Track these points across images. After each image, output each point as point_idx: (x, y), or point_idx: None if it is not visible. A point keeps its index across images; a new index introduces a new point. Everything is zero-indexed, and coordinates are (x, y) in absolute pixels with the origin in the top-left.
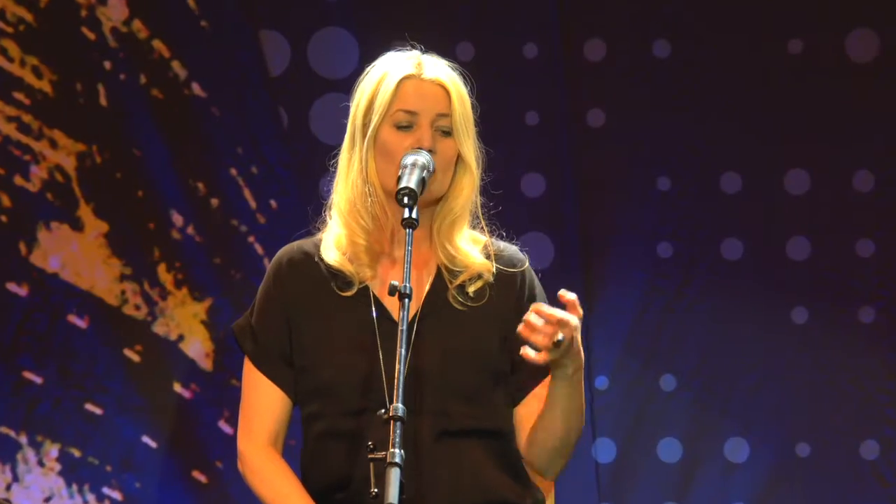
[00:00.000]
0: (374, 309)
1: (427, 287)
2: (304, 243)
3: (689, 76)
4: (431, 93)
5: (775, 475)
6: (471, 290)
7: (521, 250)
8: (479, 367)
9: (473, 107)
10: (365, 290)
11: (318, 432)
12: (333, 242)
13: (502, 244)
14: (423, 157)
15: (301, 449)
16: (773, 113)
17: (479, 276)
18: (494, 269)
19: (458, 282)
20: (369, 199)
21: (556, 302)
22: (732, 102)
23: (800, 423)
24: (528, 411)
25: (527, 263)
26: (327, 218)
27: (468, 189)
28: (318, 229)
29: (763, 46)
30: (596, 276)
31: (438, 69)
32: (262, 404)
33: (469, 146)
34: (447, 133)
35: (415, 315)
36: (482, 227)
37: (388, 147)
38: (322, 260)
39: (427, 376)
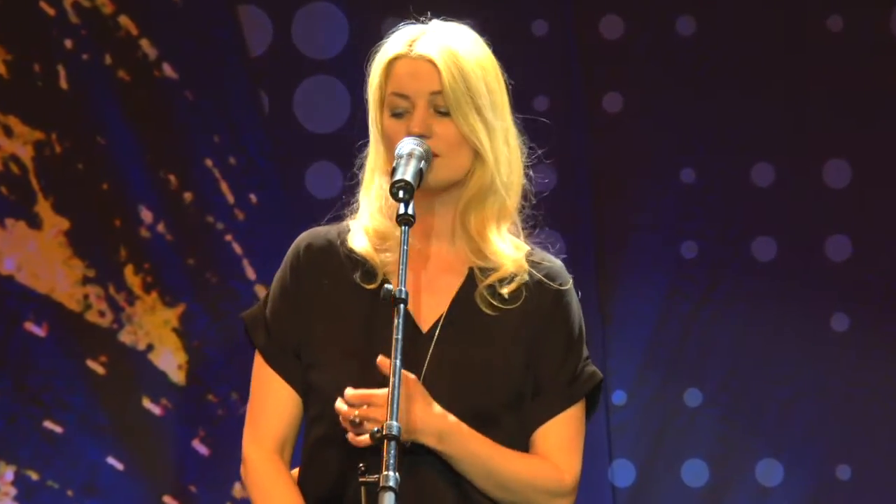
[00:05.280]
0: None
1: (455, 290)
2: (328, 229)
3: (715, 56)
4: (422, 71)
5: (812, 500)
6: (504, 291)
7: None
8: (497, 386)
9: (486, 73)
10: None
11: (318, 437)
12: (362, 228)
13: (548, 255)
14: (420, 146)
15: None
16: (809, 97)
17: (513, 278)
18: (532, 275)
19: (489, 280)
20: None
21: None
22: (764, 85)
23: (839, 443)
24: (539, 444)
25: (570, 283)
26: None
27: (479, 173)
28: (351, 212)
29: (799, 24)
30: (612, 278)
31: (430, 42)
32: (271, 404)
33: (472, 123)
34: (446, 113)
35: (438, 320)
36: (523, 235)
37: (388, 137)
38: (346, 247)
39: (438, 391)
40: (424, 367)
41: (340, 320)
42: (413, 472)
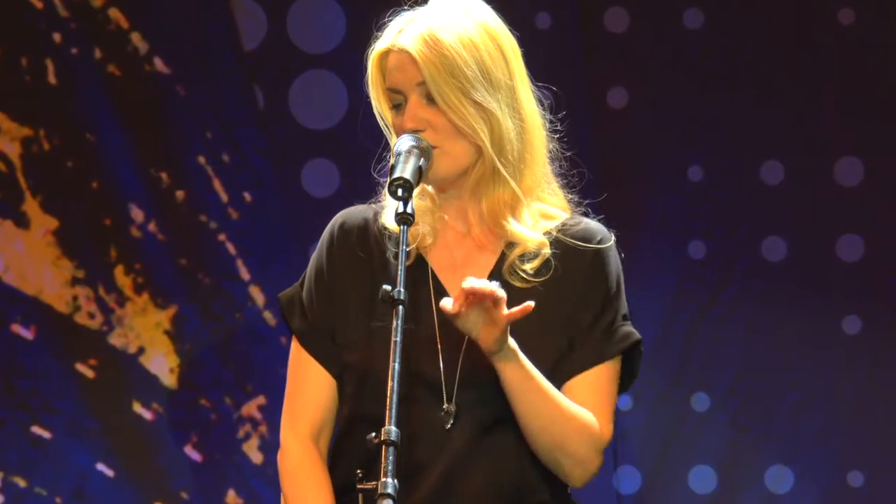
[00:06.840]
0: (431, 284)
1: (490, 268)
2: (363, 207)
3: (724, 50)
4: (405, 63)
5: None
6: (527, 267)
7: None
8: (535, 356)
9: (478, 50)
10: (422, 262)
11: (347, 416)
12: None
13: (582, 219)
14: (419, 143)
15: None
16: (820, 92)
17: (535, 255)
18: (563, 243)
19: (513, 255)
20: None
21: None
22: (774, 80)
23: (851, 449)
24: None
25: (611, 241)
26: None
27: (479, 161)
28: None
29: (809, 16)
30: None
31: (412, 31)
32: (308, 389)
33: (460, 110)
34: (434, 101)
35: None
36: (564, 199)
37: (394, 131)
38: (380, 224)
39: (479, 365)
40: (464, 345)
41: (373, 298)
42: (447, 449)
